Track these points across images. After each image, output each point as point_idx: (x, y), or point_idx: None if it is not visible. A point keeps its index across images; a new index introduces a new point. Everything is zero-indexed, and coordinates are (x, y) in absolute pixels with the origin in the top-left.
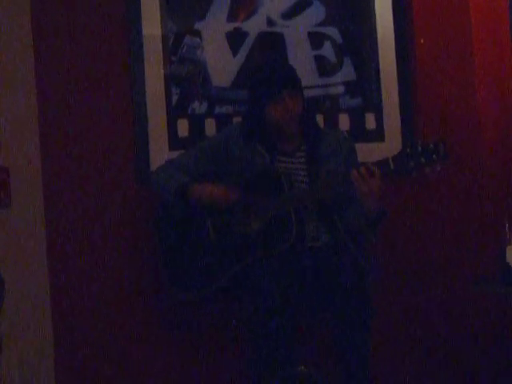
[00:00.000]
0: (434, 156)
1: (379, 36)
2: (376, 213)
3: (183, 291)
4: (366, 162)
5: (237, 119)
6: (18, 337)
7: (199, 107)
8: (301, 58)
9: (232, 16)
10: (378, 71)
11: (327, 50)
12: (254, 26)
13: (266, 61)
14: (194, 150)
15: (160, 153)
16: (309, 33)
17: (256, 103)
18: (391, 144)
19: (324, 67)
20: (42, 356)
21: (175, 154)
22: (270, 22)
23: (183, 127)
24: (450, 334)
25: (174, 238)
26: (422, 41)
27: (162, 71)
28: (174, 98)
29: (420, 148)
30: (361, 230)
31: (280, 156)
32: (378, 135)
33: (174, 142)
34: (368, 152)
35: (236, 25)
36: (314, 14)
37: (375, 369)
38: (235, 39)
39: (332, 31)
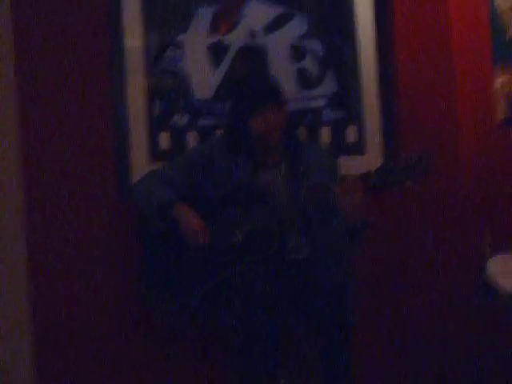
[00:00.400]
0: (417, 170)
1: (361, 49)
2: (359, 223)
3: (167, 302)
4: (347, 176)
5: (219, 131)
6: None
7: (181, 119)
8: (283, 71)
9: (214, 29)
10: (359, 84)
11: (309, 63)
12: (235, 38)
13: (249, 74)
14: (175, 161)
15: (141, 165)
16: (291, 46)
17: (238, 116)
18: (372, 157)
19: (306, 80)
20: (23, 363)
21: (156, 167)
22: (252, 35)
23: (165, 140)
24: (432, 345)
25: (158, 249)
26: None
27: (144, 83)
28: (156, 111)
29: (403, 161)
30: (343, 242)
31: (262, 169)
32: (359, 148)
33: (156, 154)
34: (349, 165)
35: (218, 37)
36: (296, 27)
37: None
38: (217, 52)
39: (314, 44)
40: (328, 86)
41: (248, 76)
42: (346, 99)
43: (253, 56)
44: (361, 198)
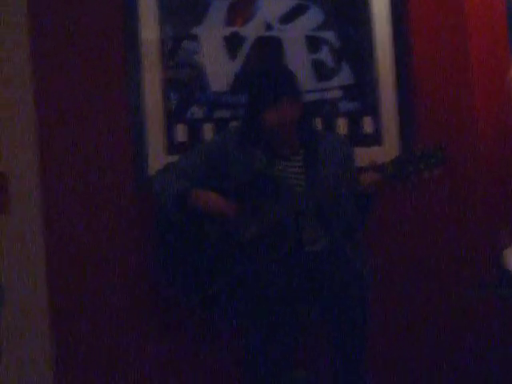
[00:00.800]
0: (433, 160)
1: (377, 40)
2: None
3: (182, 294)
4: (364, 166)
5: (234, 123)
6: (16, 343)
7: (197, 112)
8: (298, 63)
9: (229, 20)
10: (375, 75)
11: (325, 54)
12: (251, 30)
13: (267, 65)
14: (192, 153)
15: (158, 158)
16: (306, 37)
17: (254, 108)
18: (389, 148)
19: (322, 71)
20: (41, 362)
21: (173, 159)
22: (268, 27)
23: (181, 132)
24: (446, 338)
25: (173, 242)
26: None
27: (160, 76)
28: (173, 103)
29: (419, 153)
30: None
31: (277, 160)
32: (376, 139)
33: (172, 146)
34: (366, 156)
35: (234, 29)
36: (311, 19)
37: (371, 371)
38: (233, 44)
39: (329, 35)
40: (344, 77)
41: (266, 68)
42: (362, 90)
43: (269, 48)
44: (382, 184)
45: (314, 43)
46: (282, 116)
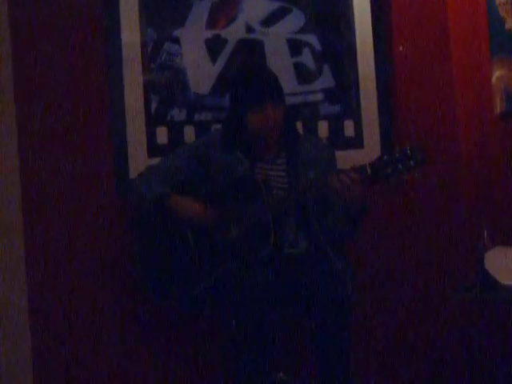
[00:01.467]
0: (412, 162)
1: (358, 43)
2: (358, 211)
3: (163, 298)
4: (343, 169)
5: (216, 126)
6: None
7: (178, 114)
8: (280, 65)
9: (211, 23)
10: (357, 78)
11: (306, 57)
12: (233, 33)
13: (251, 68)
14: (173, 156)
15: (139, 160)
16: (288, 40)
17: (238, 110)
18: (370, 151)
19: (303, 74)
20: (21, 368)
21: (154, 162)
22: (250, 29)
23: (162, 134)
24: (429, 340)
25: (154, 245)
26: (400, 48)
27: (141, 78)
28: (153, 106)
29: (397, 154)
30: (342, 233)
31: (260, 163)
32: (357, 142)
33: (153, 149)
34: (347, 159)
35: (215, 32)
36: (293, 21)
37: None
38: (214, 46)
39: (311, 38)
40: (325, 81)
41: (250, 70)
42: (344, 93)
43: (250, 50)
44: (359, 189)
45: (295, 46)
46: (266, 119)
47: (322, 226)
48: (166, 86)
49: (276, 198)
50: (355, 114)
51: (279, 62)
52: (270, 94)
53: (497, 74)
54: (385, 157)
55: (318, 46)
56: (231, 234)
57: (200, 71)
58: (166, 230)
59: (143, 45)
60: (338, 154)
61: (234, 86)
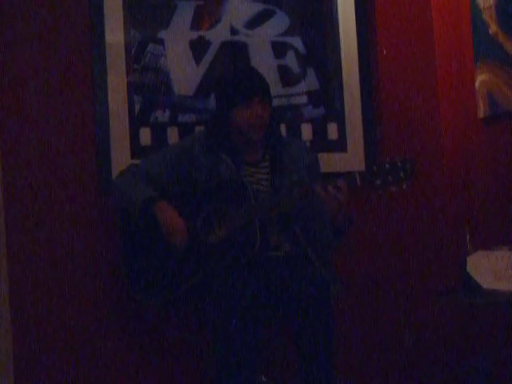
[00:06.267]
0: (402, 174)
1: (342, 46)
2: (343, 221)
3: (146, 298)
4: (332, 177)
5: (200, 128)
6: None
7: (162, 116)
8: (264, 68)
9: (195, 25)
10: (340, 81)
11: (290, 60)
12: (217, 34)
13: (237, 67)
14: (156, 156)
15: (122, 162)
16: (272, 42)
17: (224, 107)
18: (353, 154)
19: (287, 77)
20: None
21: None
22: (234, 31)
23: (146, 136)
24: (412, 345)
25: (138, 244)
26: (384, 52)
27: (125, 79)
28: (137, 107)
29: (387, 166)
30: (326, 240)
31: (244, 165)
32: (341, 145)
33: (136, 150)
34: (330, 162)
35: (199, 33)
36: (277, 24)
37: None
38: (198, 48)
39: (295, 41)
40: (309, 83)
41: (238, 69)
42: (327, 96)
43: (234, 52)
44: (345, 200)
45: (279, 48)
46: (253, 116)
47: (304, 230)
48: (149, 87)
49: (261, 201)
50: (339, 117)
51: (263, 65)
52: (258, 89)
53: (480, 78)
54: (374, 167)
55: (302, 49)
56: (217, 236)
57: (184, 73)
58: (150, 231)
59: (127, 46)
60: (322, 156)
61: (221, 83)
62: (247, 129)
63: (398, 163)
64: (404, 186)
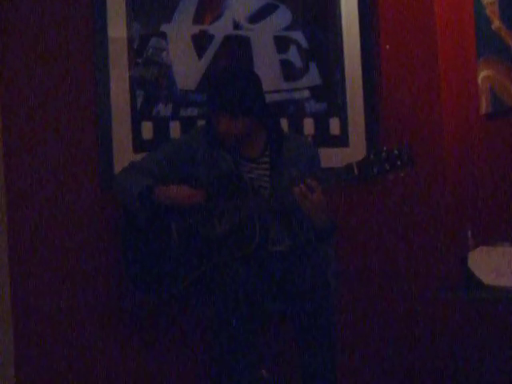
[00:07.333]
0: (399, 162)
1: (345, 41)
2: (323, 226)
3: (146, 293)
4: (305, 177)
5: (201, 122)
6: None
7: (164, 110)
8: (266, 62)
9: (198, 19)
10: (343, 76)
11: (293, 55)
12: (220, 29)
13: (222, 74)
14: (157, 152)
15: (124, 155)
16: (275, 37)
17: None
18: (355, 149)
19: (289, 71)
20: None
21: (139, 157)
22: (236, 26)
23: (148, 130)
24: (412, 341)
25: (138, 241)
26: (387, 47)
27: (127, 73)
28: (139, 101)
29: (384, 154)
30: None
31: (244, 161)
32: (343, 140)
33: (139, 144)
34: (332, 157)
35: (202, 27)
36: (280, 18)
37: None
38: (201, 42)
39: (298, 36)
40: (311, 78)
41: (219, 76)
42: (330, 91)
43: (237, 47)
44: (320, 199)
45: (282, 43)
46: (219, 128)
47: (303, 225)
48: (152, 81)
49: (261, 196)
50: (341, 112)
51: (266, 59)
52: (222, 106)
53: (483, 74)
54: (371, 156)
55: (304, 44)
56: (216, 231)
57: (186, 67)
58: (150, 225)
59: (130, 40)
60: (324, 151)
61: (207, 86)
62: (220, 135)
63: (395, 151)
64: (402, 174)
